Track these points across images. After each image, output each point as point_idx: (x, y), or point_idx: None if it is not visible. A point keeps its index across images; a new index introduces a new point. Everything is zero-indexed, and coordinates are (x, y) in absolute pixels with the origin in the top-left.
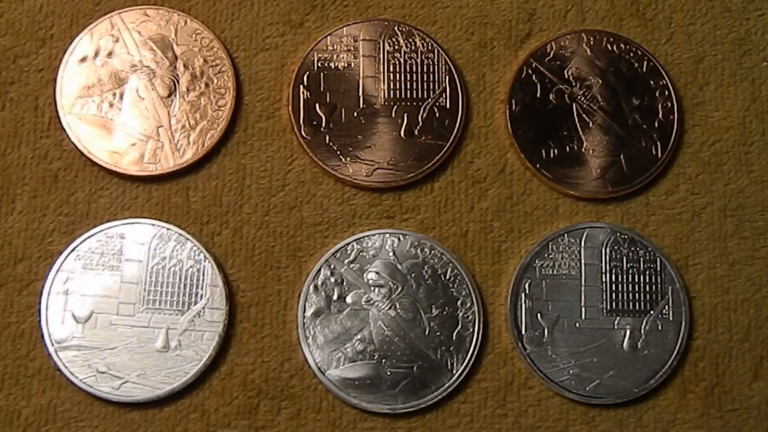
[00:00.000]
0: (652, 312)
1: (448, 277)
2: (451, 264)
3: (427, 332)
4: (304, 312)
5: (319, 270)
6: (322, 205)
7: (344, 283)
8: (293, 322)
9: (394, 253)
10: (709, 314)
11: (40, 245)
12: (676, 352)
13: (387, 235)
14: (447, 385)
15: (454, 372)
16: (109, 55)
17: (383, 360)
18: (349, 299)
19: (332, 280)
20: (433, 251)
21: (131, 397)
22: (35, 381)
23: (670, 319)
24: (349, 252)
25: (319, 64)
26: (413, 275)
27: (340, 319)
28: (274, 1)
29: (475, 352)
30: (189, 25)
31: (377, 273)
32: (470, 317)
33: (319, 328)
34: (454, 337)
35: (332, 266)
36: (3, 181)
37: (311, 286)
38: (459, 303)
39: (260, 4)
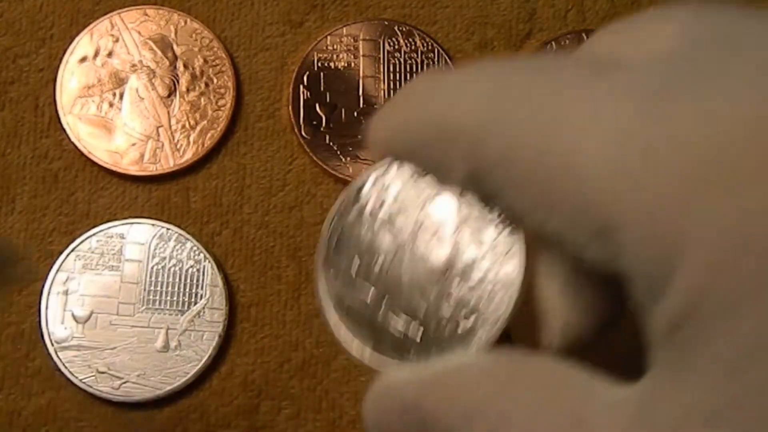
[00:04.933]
0: None
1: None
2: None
3: (440, 304)
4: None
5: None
6: (322, 205)
7: (396, 201)
8: (293, 322)
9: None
10: None
11: (40, 245)
12: None
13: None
14: None
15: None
16: (109, 55)
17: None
18: (398, 220)
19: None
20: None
21: (131, 397)
22: (35, 381)
23: None
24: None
25: (319, 64)
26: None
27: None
28: (274, 1)
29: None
30: (189, 25)
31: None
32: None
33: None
34: (464, 325)
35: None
36: (3, 181)
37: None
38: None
39: (260, 4)
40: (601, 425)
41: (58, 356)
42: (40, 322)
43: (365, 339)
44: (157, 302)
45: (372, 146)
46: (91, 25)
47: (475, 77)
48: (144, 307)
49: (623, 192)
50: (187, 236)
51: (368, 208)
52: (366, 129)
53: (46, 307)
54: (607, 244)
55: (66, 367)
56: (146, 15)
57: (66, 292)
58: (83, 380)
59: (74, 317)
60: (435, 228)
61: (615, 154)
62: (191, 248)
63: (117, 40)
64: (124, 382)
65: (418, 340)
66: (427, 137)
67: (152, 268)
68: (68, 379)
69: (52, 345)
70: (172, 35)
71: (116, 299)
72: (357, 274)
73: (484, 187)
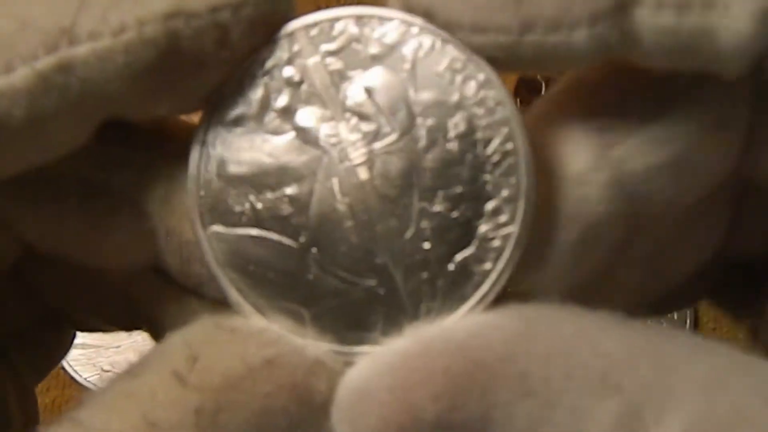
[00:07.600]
0: None
1: (491, 150)
2: (506, 129)
3: (409, 235)
4: (224, 111)
5: (274, 49)
6: None
7: (303, 86)
8: None
9: (412, 67)
10: (714, 313)
11: None
12: None
13: (416, 30)
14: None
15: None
16: None
17: (313, 249)
18: (300, 119)
19: (286, 73)
20: (483, 92)
21: None
22: None
23: (674, 318)
24: (335, 34)
25: None
26: (430, 122)
27: (272, 147)
28: None
29: (479, 307)
30: None
31: (368, 92)
32: (497, 243)
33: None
34: (453, 265)
35: (296, 47)
36: None
37: (248, 73)
38: (489, 207)
39: None
40: None
41: None
42: None
43: (291, 314)
44: None
45: None
46: None
47: None
48: None
49: None
50: None
51: (252, 110)
52: None
53: None
54: None
55: (70, 366)
56: None
57: None
58: (87, 379)
59: None
60: (367, 110)
61: None
62: None
63: None
64: None
65: (386, 302)
66: None
67: None
68: (72, 378)
69: None
70: None
71: None
72: (257, 221)
73: None
